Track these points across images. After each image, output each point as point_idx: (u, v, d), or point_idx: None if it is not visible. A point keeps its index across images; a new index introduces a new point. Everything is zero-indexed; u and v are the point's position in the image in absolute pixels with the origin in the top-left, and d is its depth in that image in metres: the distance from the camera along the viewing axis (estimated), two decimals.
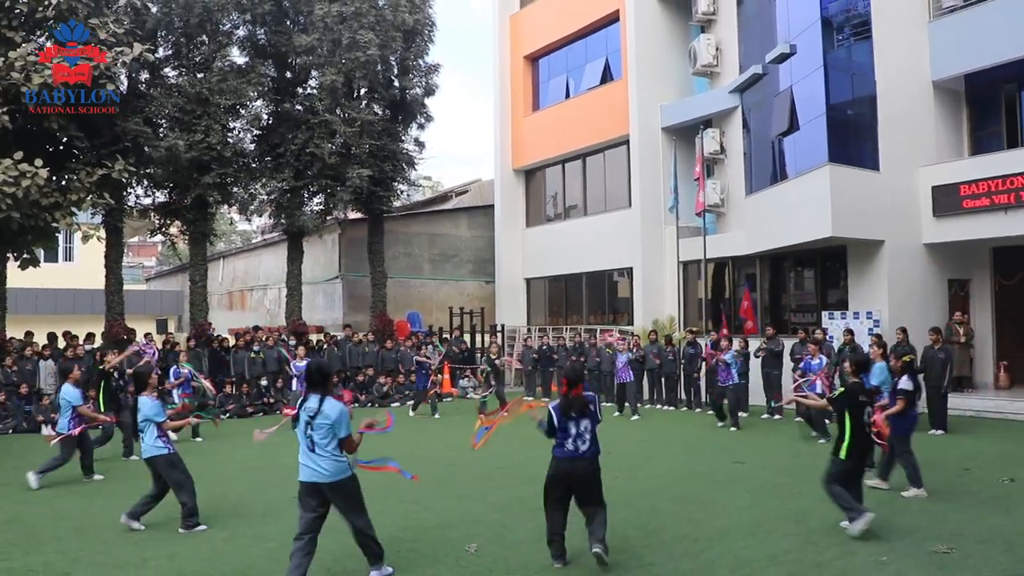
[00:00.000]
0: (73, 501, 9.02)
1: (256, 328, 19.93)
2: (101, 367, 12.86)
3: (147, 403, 7.79)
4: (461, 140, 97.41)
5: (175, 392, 13.99)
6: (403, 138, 22.41)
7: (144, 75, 19.30)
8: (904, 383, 8.76)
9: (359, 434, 6.02)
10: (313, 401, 5.78)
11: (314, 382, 5.88)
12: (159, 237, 25.61)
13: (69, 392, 10.10)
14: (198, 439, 13.62)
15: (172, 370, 14.43)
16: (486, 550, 6.77)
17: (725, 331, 16.96)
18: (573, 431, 6.19)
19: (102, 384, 11.76)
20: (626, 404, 16.42)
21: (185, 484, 7.68)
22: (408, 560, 6.52)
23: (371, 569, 6.02)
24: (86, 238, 17.36)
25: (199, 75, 19.13)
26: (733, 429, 14.01)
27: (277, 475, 10.21)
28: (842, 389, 7.38)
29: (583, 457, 6.17)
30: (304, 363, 16.14)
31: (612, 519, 6.64)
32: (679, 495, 8.87)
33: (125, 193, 18.98)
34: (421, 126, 22.87)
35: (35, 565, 6.54)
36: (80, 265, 32.60)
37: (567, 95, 24.15)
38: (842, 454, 7.09)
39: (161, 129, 18.89)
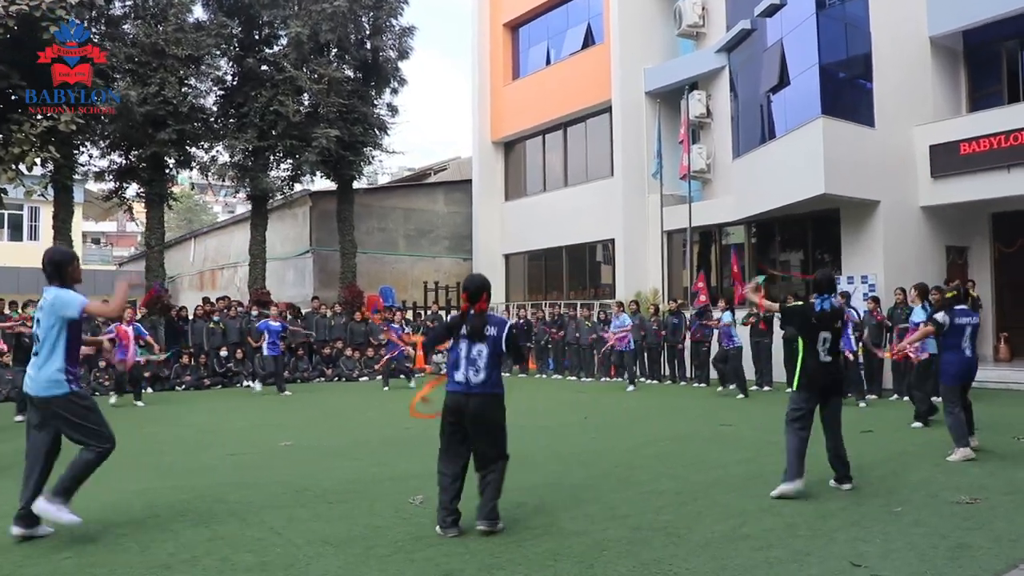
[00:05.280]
0: None
1: (207, 300, 18.83)
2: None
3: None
4: (443, 121, 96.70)
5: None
6: (375, 102, 21.33)
7: (100, 27, 18.11)
8: (939, 316, 7.45)
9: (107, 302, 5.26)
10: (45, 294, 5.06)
11: (48, 274, 5.10)
12: (139, 229, 24.65)
13: None
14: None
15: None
16: (433, 503, 5.81)
17: (704, 298, 16.27)
18: (464, 353, 5.02)
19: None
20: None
21: None
22: (339, 511, 5.58)
23: (47, 498, 4.78)
24: (29, 194, 16.27)
25: (157, 26, 17.94)
26: (740, 397, 13.21)
27: (223, 438, 9.66)
28: (798, 303, 6.31)
29: (477, 392, 4.98)
30: (279, 324, 15.13)
31: (579, 474, 5.73)
32: (660, 452, 7.97)
33: (76, 151, 17.77)
34: (394, 90, 21.84)
35: None
36: (44, 244, 31.40)
37: (548, 62, 23.15)
38: (794, 384, 6.16)
39: (115, 83, 17.72)
